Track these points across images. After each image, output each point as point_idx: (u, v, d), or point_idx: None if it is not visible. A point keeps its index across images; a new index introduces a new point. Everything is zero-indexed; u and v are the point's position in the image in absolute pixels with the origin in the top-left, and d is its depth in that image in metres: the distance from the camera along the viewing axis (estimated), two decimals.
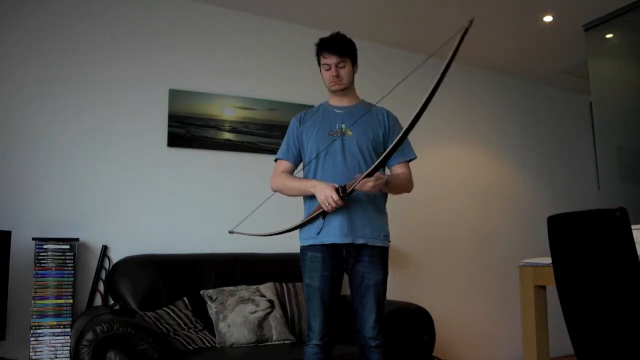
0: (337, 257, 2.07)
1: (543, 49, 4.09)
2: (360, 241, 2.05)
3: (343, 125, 2.14)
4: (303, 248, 2.13)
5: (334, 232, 2.04)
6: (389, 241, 2.15)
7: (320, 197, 1.97)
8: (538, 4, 3.41)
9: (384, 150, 2.15)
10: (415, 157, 2.24)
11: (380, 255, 2.09)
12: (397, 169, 2.20)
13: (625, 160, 3.52)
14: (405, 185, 2.18)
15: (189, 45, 3.29)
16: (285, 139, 2.28)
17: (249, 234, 2.36)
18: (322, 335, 2.03)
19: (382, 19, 3.61)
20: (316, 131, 2.16)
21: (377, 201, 2.12)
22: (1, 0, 2.82)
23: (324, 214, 2.02)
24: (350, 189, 1.93)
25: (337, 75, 2.14)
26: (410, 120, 1.84)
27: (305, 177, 2.18)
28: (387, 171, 2.23)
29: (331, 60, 2.12)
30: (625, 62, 3.58)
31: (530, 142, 4.73)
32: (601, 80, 3.64)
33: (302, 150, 2.21)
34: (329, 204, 1.95)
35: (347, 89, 2.19)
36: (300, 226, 2.13)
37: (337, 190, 1.94)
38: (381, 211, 2.15)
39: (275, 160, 2.29)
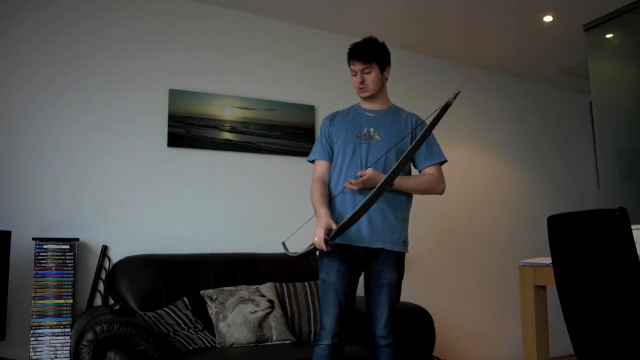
0: (355, 256, 2.07)
1: (543, 49, 4.09)
2: (378, 245, 2.05)
3: (372, 129, 2.14)
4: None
5: (352, 237, 2.04)
6: (407, 247, 2.13)
7: (314, 236, 1.95)
8: (538, 4, 3.41)
9: (412, 156, 2.15)
10: (445, 161, 2.21)
11: (396, 257, 2.09)
12: (425, 171, 2.19)
13: (625, 160, 3.52)
14: (426, 186, 2.15)
15: (189, 45, 3.29)
16: (318, 138, 2.28)
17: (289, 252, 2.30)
18: (334, 333, 2.02)
19: (383, 20, 3.61)
20: (345, 132, 2.17)
21: (401, 209, 2.12)
22: (1, 2, 2.82)
23: (314, 251, 2.02)
24: (332, 235, 1.92)
25: (363, 82, 2.13)
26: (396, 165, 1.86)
27: (331, 176, 2.17)
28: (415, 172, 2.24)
29: (356, 67, 2.12)
30: (625, 62, 3.58)
31: (530, 142, 4.73)
32: (601, 80, 3.64)
33: (333, 149, 2.22)
34: (318, 245, 1.94)
35: (376, 94, 2.18)
36: (302, 255, 2.11)
37: (327, 234, 1.93)
38: (404, 219, 2.14)
39: (312, 161, 2.26)
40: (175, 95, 3.19)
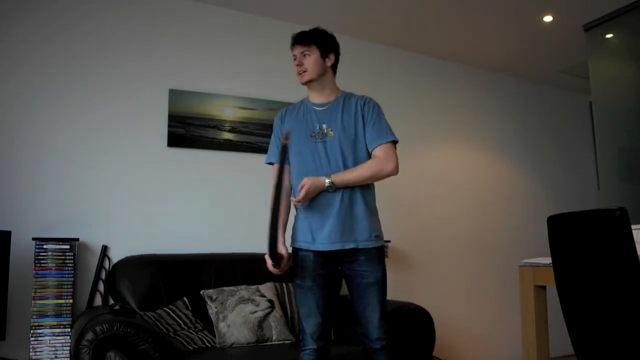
0: (330, 257, 2.00)
1: (543, 49, 4.09)
2: (350, 246, 1.98)
3: (324, 126, 2.05)
4: (294, 249, 2.07)
5: (323, 240, 1.98)
6: (382, 239, 2.06)
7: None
8: (538, 4, 3.41)
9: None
10: (392, 140, 2.06)
11: (376, 253, 2.01)
12: (374, 153, 2.05)
13: (625, 160, 3.52)
14: (370, 172, 2.00)
15: (189, 45, 3.29)
16: (272, 139, 2.18)
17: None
18: (317, 338, 1.96)
19: (382, 19, 3.61)
20: (297, 133, 2.08)
21: (364, 202, 2.03)
22: (1, 2, 2.82)
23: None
24: (275, 257, 1.94)
25: (301, 65, 2.06)
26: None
27: (292, 180, 2.09)
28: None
29: (295, 51, 2.07)
30: (625, 62, 3.58)
31: (530, 142, 4.73)
32: (601, 80, 3.64)
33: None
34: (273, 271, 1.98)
35: (318, 82, 2.09)
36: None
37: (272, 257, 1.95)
38: (371, 211, 2.05)
39: (271, 164, 2.17)
40: (175, 95, 3.19)
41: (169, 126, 3.16)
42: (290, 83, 3.57)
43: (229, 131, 3.34)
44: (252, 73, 3.47)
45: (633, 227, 1.58)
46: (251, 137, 3.39)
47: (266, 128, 3.43)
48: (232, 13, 3.45)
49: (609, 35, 3.59)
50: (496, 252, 4.34)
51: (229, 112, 3.35)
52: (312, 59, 2.05)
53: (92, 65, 3.01)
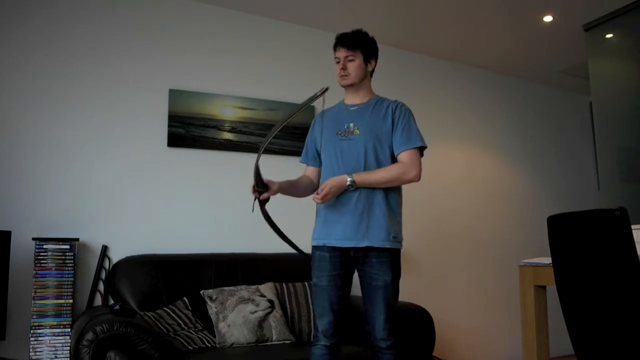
0: (346, 257, 2.05)
1: (543, 49, 4.09)
2: (364, 244, 2.00)
3: (352, 125, 2.11)
4: (313, 247, 2.13)
5: (337, 235, 2.03)
6: (400, 242, 2.08)
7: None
8: (538, 4, 3.41)
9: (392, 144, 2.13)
10: (421, 146, 2.09)
11: (389, 257, 2.03)
12: (399, 157, 2.09)
13: (625, 160, 3.52)
14: (391, 176, 2.03)
15: (189, 45, 3.29)
16: (306, 140, 2.32)
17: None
18: (330, 335, 2.02)
19: (383, 19, 3.61)
20: (326, 132, 2.16)
21: (385, 203, 2.05)
22: (1, 3, 2.82)
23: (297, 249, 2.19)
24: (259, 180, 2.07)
25: (344, 69, 2.10)
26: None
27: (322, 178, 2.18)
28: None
29: (340, 53, 2.11)
30: (625, 62, 3.58)
31: (530, 142, 4.73)
32: (601, 80, 3.64)
33: (319, 151, 2.23)
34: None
35: (357, 85, 2.14)
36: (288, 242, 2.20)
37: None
38: (391, 213, 2.06)
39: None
40: (175, 95, 3.19)
41: (169, 126, 3.16)
42: (290, 83, 3.60)
43: (229, 131, 3.34)
44: (252, 73, 3.47)
45: (633, 227, 1.57)
46: (251, 137, 3.39)
47: (266, 128, 3.43)
48: (232, 13, 3.45)
49: (609, 35, 3.59)
50: (496, 252, 4.34)
51: (229, 112, 3.35)
52: (355, 64, 2.11)
53: (93, 65, 3.01)
